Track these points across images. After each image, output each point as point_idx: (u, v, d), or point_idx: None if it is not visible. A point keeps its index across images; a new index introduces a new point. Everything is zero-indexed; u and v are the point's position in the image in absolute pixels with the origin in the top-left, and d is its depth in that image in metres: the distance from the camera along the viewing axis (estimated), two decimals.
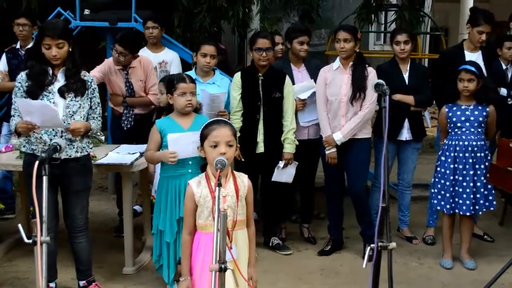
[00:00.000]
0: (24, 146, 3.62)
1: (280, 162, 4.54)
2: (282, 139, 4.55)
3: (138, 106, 4.96)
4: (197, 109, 3.88)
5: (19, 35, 5.19)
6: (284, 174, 4.59)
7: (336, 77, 4.47)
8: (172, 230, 3.68)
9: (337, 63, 4.50)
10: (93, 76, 4.68)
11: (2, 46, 5.42)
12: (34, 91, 3.48)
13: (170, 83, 3.75)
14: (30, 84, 3.49)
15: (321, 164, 4.78)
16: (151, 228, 4.79)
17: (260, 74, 4.55)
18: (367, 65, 4.46)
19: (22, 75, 3.52)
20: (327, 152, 4.50)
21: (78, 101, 3.57)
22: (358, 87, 4.34)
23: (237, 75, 4.59)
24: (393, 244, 2.66)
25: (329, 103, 4.49)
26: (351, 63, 4.43)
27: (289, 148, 4.55)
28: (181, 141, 3.52)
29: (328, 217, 4.84)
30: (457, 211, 4.38)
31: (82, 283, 3.87)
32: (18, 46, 5.27)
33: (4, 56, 5.23)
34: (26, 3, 6.33)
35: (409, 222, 5.16)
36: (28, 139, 3.55)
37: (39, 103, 3.40)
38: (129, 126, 4.91)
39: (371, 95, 4.36)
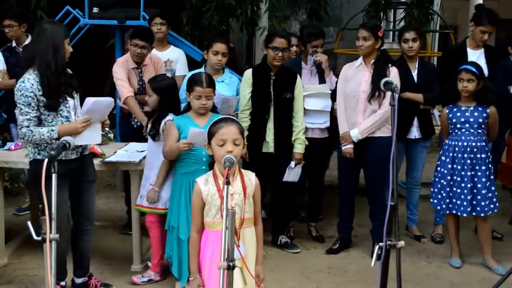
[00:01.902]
0: (39, 154, 3.56)
1: (291, 162, 4.54)
2: (293, 139, 4.54)
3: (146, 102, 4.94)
4: (214, 108, 3.93)
5: (7, 35, 5.23)
6: (293, 173, 4.58)
7: (357, 73, 4.46)
8: (188, 226, 3.70)
9: (360, 60, 4.50)
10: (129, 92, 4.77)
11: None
12: (54, 106, 3.50)
13: (189, 83, 3.82)
14: (49, 100, 3.46)
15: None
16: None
17: (272, 74, 4.53)
18: (390, 64, 4.44)
19: (33, 85, 3.42)
20: (343, 147, 4.49)
21: (76, 98, 3.67)
22: (377, 86, 4.31)
23: (248, 72, 4.56)
24: (401, 243, 2.65)
25: (348, 98, 4.48)
26: (372, 60, 4.42)
27: (299, 148, 4.54)
28: (201, 137, 3.57)
29: (339, 215, 4.83)
30: (454, 211, 4.36)
31: (82, 279, 3.91)
32: (14, 44, 5.29)
33: (0, 55, 5.25)
34: (35, 1, 6.34)
35: (417, 221, 5.15)
36: (47, 145, 3.53)
37: (104, 101, 3.60)
38: (139, 123, 4.92)
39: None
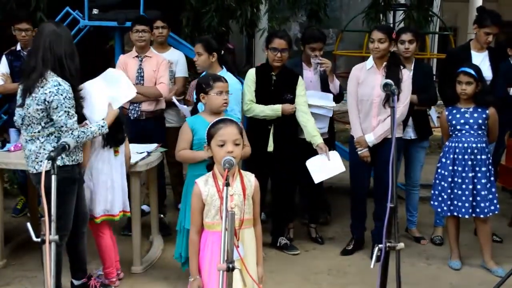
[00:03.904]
0: (68, 158, 3.48)
1: (323, 155, 4.44)
2: (308, 139, 4.50)
3: (145, 95, 4.91)
4: None
5: (21, 40, 5.13)
6: (331, 165, 4.49)
7: (369, 77, 4.44)
8: None
9: (370, 62, 4.47)
10: None
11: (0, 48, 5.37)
12: (78, 109, 3.52)
13: (206, 82, 3.77)
14: (76, 103, 3.47)
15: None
16: (158, 227, 4.82)
17: (273, 74, 4.54)
18: (401, 67, 4.43)
19: (70, 87, 3.40)
20: (359, 152, 4.48)
21: None
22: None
23: (252, 71, 4.59)
24: (401, 245, 2.65)
25: (360, 102, 4.46)
26: (384, 63, 4.40)
27: (319, 139, 4.48)
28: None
29: (351, 216, 4.82)
30: (455, 213, 4.36)
31: (81, 281, 3.89)
32: (18, 48, 5.22)
33: (4, 59, 5.19)
34: (35, 3, 6.33)
35: (417, 222, 5.14)
36: (75, 149, 3.51)
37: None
38: (135, 116, 4.91)
39: (404, 98, 4.34)
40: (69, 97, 3.37)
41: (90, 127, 3.50)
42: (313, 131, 4.49)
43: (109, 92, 3.74)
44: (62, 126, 3.38)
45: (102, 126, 3.55)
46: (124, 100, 3.84)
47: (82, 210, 3.80)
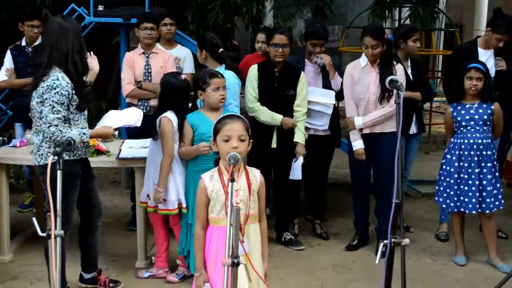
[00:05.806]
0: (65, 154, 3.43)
1: (296, 158, 4.51)
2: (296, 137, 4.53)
3: (153, 91, 4.91)
4: None
5: (33, 36, 5.17)
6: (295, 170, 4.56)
7: (364, 75, 4.45)
8: None
9: (364, 60, 4.47)
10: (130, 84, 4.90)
11: (4, 43, 5.38)
12: (84, 106, 3.51)
13: (202, 79, 3.80)
14: (81, 101, 3.44)
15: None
16: None
17: (276, 70, 4.55)
18: (394, 62, 4.44)
19: (68, 84, 3.35)
20: (354, 148, 4.50)
21: None
22: (386, 87, 4.28)
23: (254, 68, 4.60)
24: (406, 240, 2.65)
25: (357, 101, 4.49)
26: (378, 60, 4.41)
27: (300, 138, 4.52)
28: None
29: (354, 212, 4.84)
30: (462, 209, 4.35)
31: (91, 275, 3.91)
32: (23, 43, 5.24)
33: (9, 53, 5.21)
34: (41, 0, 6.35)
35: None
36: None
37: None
38: (144, 111, 4.91)
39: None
40: (61, 93, 3.32)
41: (71, 130, 3.38)
42: (297, 132, 4.52)
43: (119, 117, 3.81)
44: (42, 118, 3.35)
45: (84, 134, 3.42)
46: (125, 122, 3.79)
47: (97, 203, 3.84)
